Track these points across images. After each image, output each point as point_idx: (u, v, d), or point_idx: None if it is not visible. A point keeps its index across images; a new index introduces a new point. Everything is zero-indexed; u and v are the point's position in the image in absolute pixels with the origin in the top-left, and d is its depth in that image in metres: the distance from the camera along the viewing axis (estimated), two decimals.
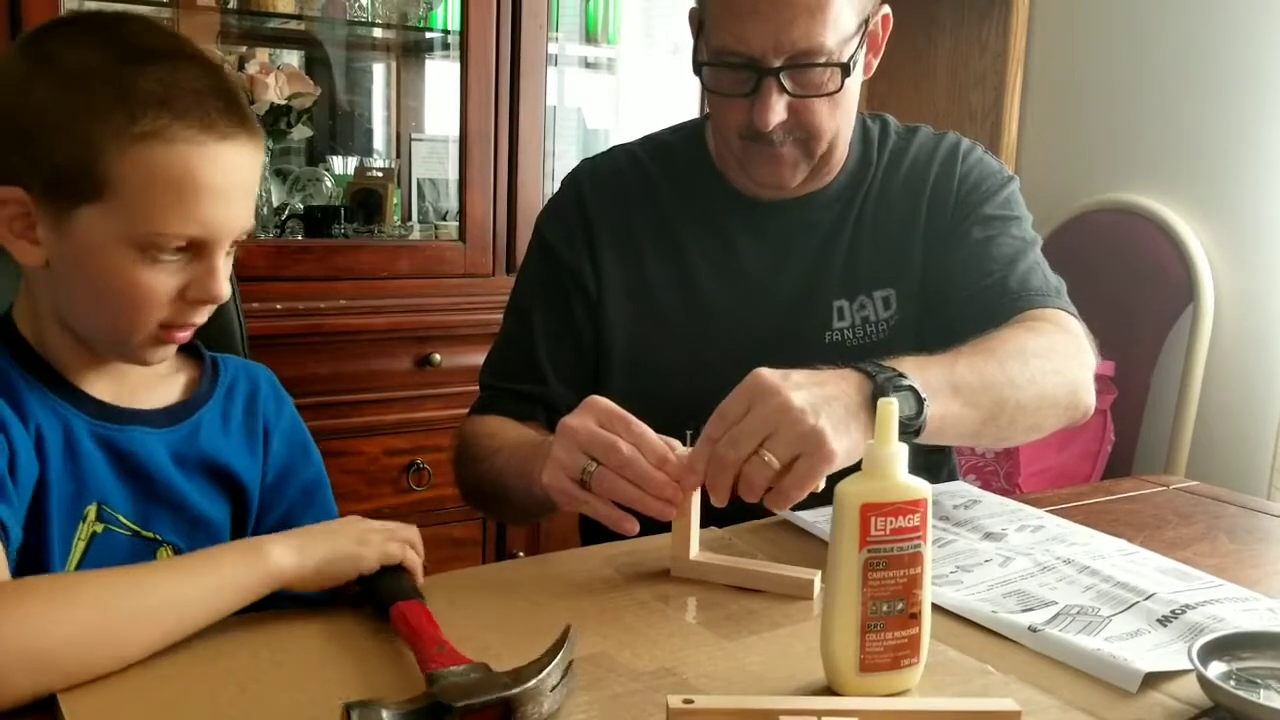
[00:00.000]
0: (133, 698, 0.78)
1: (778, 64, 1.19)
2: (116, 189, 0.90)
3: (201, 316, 0.99)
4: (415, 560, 0.98)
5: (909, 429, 1.00)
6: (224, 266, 0.97)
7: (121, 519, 1.02)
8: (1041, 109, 2.85)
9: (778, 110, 1.21)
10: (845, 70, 1.21)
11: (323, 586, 0.93)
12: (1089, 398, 1.23)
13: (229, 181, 0.94)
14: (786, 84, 1.21)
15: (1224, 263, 2.49)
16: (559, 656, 0.78)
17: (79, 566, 0.99)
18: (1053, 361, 1.17)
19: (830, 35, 1.19)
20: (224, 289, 0.97)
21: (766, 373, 0.97)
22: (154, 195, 0.90)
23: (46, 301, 0.99)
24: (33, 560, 0.96)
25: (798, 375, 0.98)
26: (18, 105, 0.92)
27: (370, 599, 0.94)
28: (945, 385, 1.06)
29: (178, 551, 1.05)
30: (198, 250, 0.95)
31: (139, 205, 0.91)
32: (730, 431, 0.95)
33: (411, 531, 1.00)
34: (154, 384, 1.05)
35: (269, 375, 1.15)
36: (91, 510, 1.00)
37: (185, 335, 1.00)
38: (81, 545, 0.99)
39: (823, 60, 1.20)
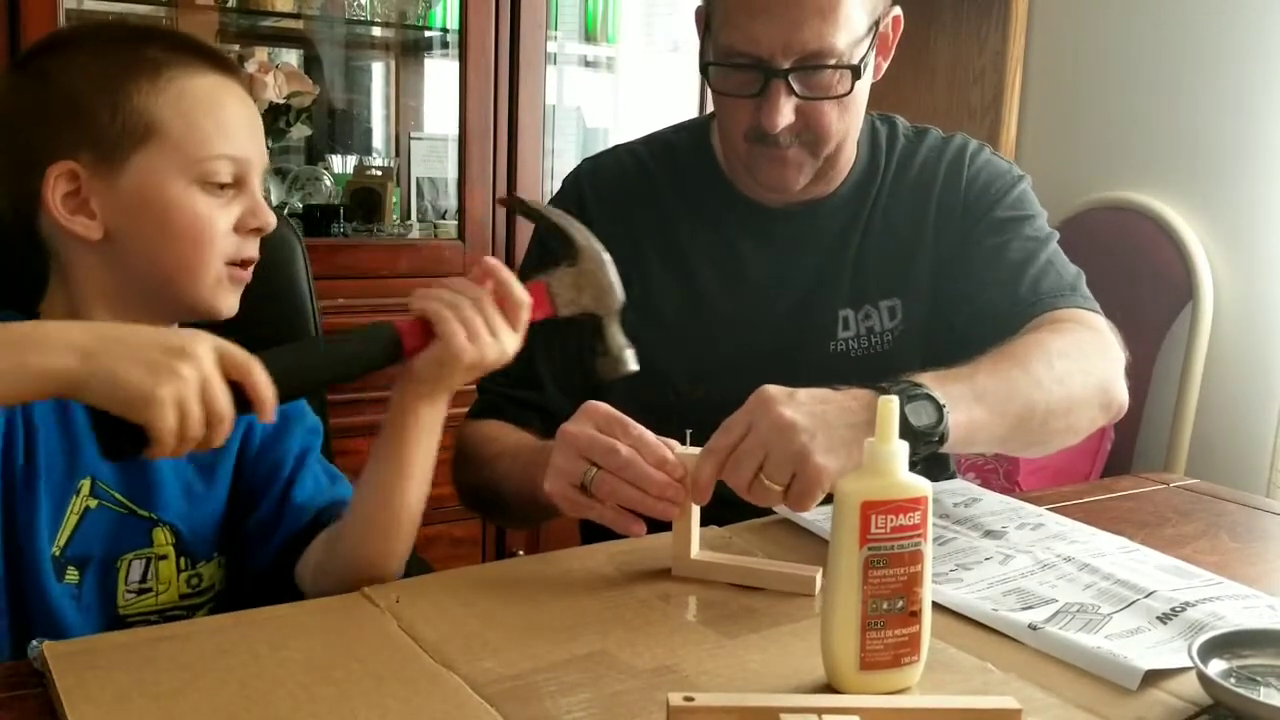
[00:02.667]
0: (133, 695, 0.78)
1: (787, 65, 1.17)
2: (163, 127, 1.00)
3: (255, 249, 1.06)
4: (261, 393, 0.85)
5: (931, 438, 0.99)
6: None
7: (116, 495, 1.03)
8: (1040, 107, 2.85)
9: (785, 113, 1.19)
10: (855, 73, 1.20)
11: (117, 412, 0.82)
12: (1121, 394, 1.20)
13: (248, 112, 1.06)
14: (795, 86, 1.19)
15: (1223, 261, 2.49)
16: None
17: (69, 540, 1.00)
18: (1078, 361, 1.14)
19: (841, 36, 1.17)
20: (273, 216, 1.06)
21: (771, 390, 0.97)
22: (195, 123, 1.01)
23: (99, 285, 1.02)
24: (22, 531, 0.98)
25: (804, 393, 0.97)
26: (45, 94, 1.01)
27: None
28: (967, 394, 1.04)
29: (175, 532, 1.06)
30: (239, 184, 1.03)
31: (185, 135, 1.00)
32: (734, 453, 0.95)
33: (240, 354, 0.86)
34: None
35: None
36: (85, 484, 1.01)
37: (247, 274, 1.06)
38: (74, 519, 1.01)
39: (833, 62, 1.18)
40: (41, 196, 0.99)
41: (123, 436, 0.81)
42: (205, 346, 0.82)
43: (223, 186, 1.02)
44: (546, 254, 1.36)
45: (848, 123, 1.26)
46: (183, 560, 1.07)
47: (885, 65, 1.29)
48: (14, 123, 1.02)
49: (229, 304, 1.05)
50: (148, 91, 0.99)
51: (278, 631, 0.89)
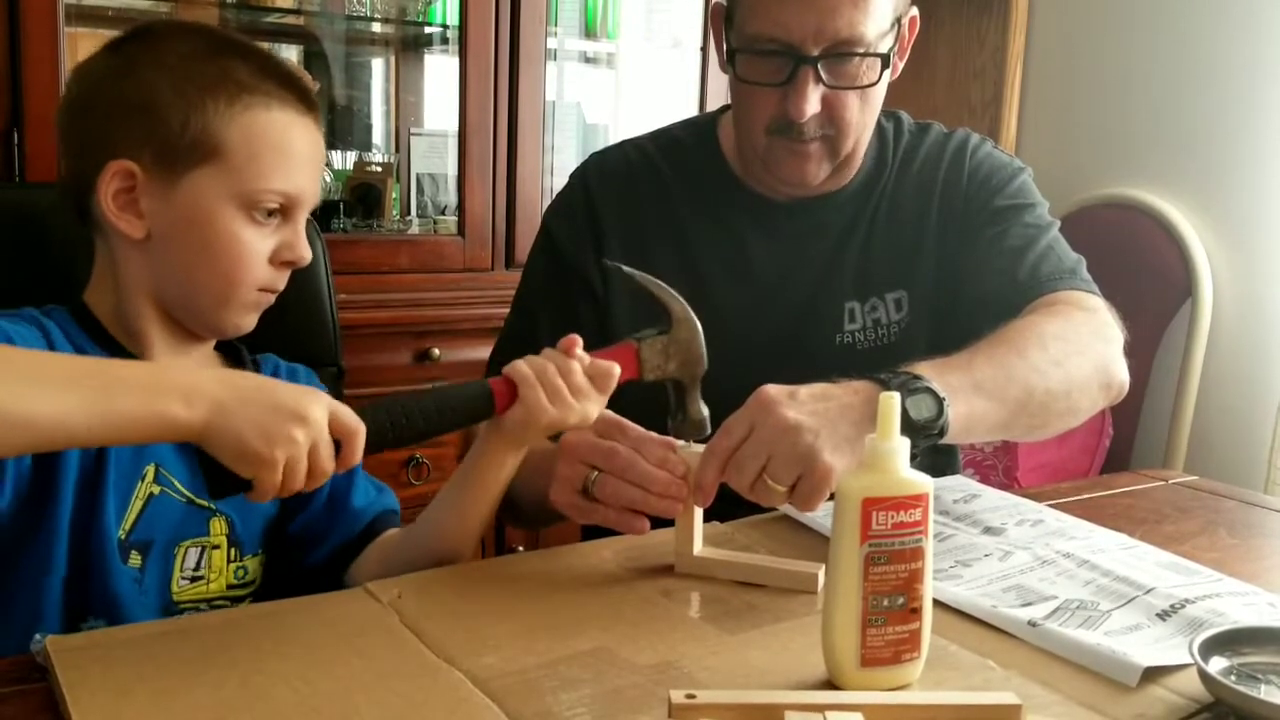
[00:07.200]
0: (136, 689, 0.78)
1: (816, 53, 1.18)
2: (226, 151, 1.01)
3: (284, 281, 1.08)
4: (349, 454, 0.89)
5: (931, 431, 0.99)
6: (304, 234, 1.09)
7: (177, 484, 1.05)
8: (1040, 104, 2.85)
9: (813, 101, 1.20)
10: (884, 62, 1.21)
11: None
12: (1121, 374, 1.20)
13: (313, 150, 1.07)
14: (824, 74, 1.19)
15: (1222, 258, 2.49)
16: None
17: (134, 526, 1.02)
18: (1074, 343, 1.15)
19: (871, 26, 1.18)
20: (309, 252, 1.07)
21: (771, 390, 0.97)
22: (259, 155, 1.02)
23: (138, 279, 1.04)
24: (88, 515, 0.99)
25: (804, 391, 0.97)
26: (124, 87, 1.02)
27: None
28: (966, 384, 1.04)
29: (229, 523, 1.08)
30: (285, 215, 1.05)
31: (246, 164, 1.02)
32: (735, 455, 0.96)
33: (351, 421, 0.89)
34: None
35: (308, 372, 1.21)
36: (150, 470, 1.04)
37: (271, 298, 1.08)
38: (138, 504, 1.03)
39: (862, 50, 1.19)
40: (96, 185, 1.01)
41: (229, 481, 0.86)
42: (321, 410, 0.86)
43: (270, 213, 1.04)
44: (562, 270, 1.35)
45: (866, 118, 1.26)
46: (233, 551, 1.09)
47: (900, 66, 1.30)
48: (90, 105, 1.04)
49: (248, 324, 1.08)
50: (223, 112, 1.01)
51: (280, 627, 0.89)
